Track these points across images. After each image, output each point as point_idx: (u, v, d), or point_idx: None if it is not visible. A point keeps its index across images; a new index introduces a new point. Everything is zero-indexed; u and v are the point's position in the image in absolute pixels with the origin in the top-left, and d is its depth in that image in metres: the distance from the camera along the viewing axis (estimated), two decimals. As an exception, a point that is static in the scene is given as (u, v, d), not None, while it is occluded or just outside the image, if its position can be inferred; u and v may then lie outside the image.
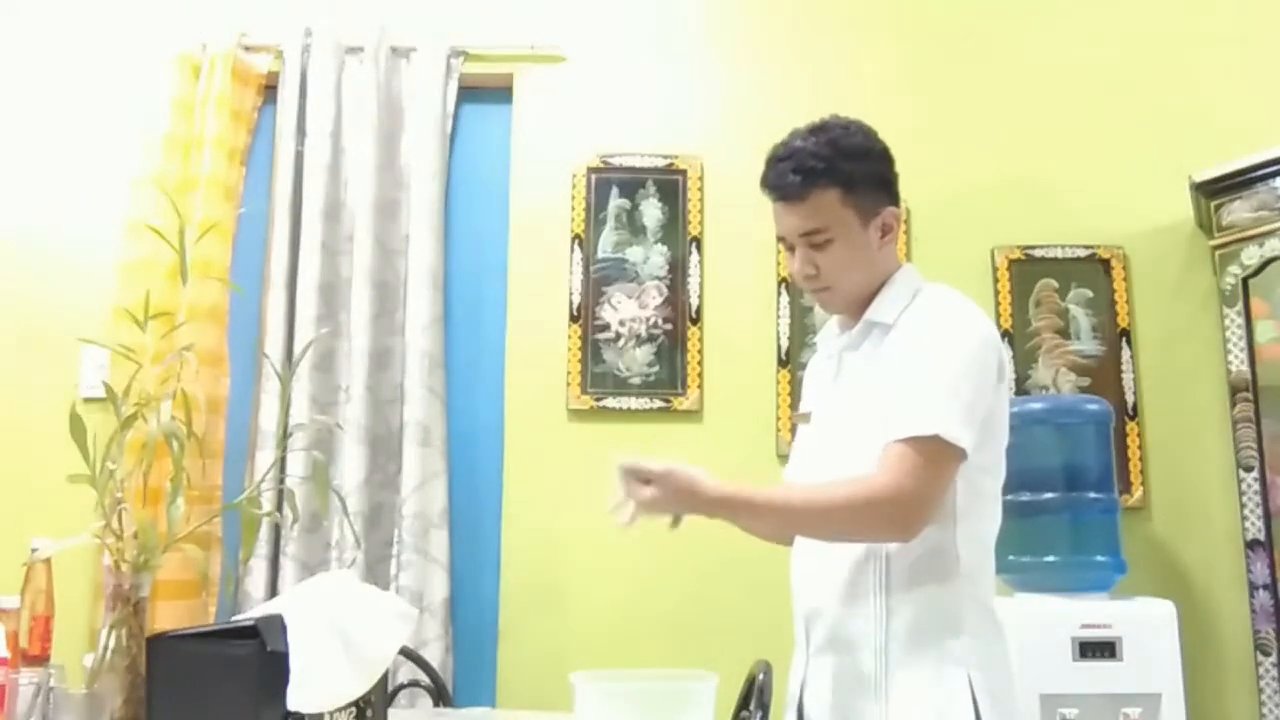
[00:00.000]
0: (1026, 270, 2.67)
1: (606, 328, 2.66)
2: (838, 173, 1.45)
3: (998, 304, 2.65)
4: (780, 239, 1.55)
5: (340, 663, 1.26)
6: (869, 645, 1.42)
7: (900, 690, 1.40)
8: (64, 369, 2.52)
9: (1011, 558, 2.34)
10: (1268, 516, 2.29)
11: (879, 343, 1.49)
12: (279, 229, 2.64)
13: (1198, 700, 2.30)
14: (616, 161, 2.73)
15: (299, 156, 2.67)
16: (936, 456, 1.35)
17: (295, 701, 1.18)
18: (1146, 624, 2.19)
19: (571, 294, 2.67)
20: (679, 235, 2.69)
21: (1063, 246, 2.68)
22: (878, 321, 1.50)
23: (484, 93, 2.80)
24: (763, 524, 1.58)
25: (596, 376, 2.63)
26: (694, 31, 2.81)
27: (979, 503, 1.44)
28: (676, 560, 2.46)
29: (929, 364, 1.40)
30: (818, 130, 1.49)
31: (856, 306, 1.53)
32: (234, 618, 1.48)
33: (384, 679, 1.38)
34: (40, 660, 1.43)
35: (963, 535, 1.41)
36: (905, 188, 2.59)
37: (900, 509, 1.34)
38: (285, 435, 2.18)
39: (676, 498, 1.40)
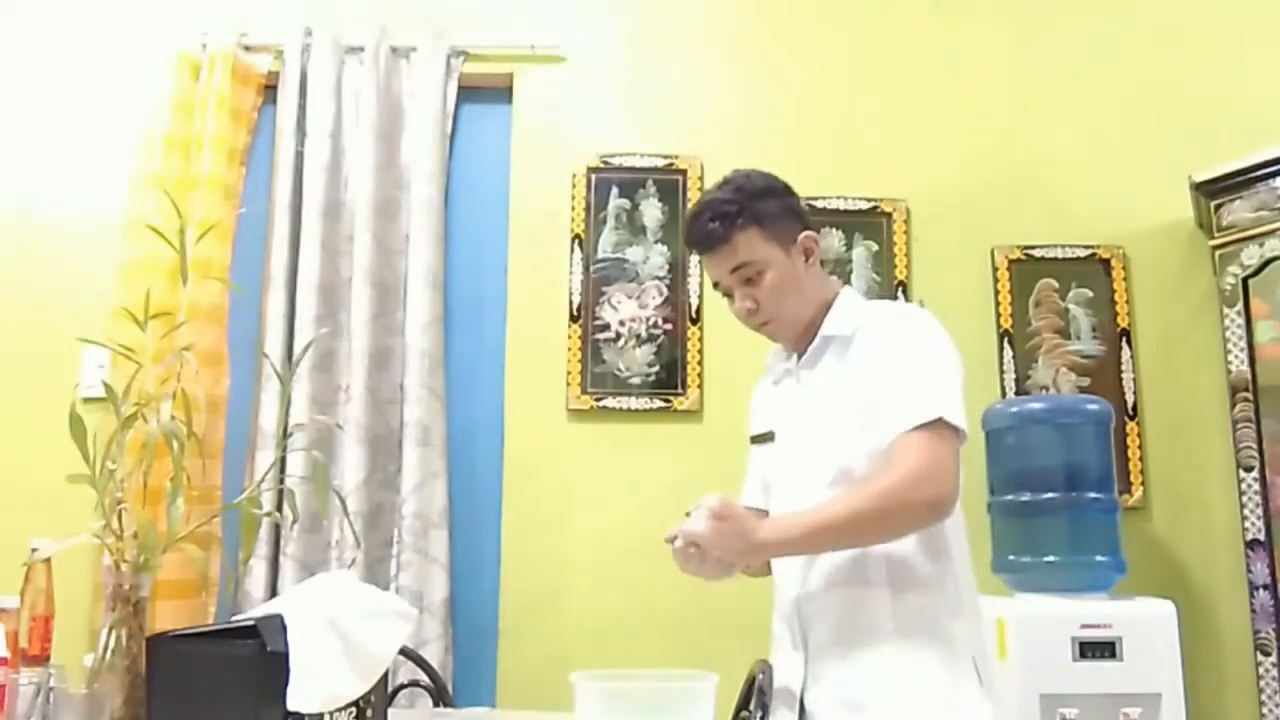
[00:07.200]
0: (1026, 270, 2.67)
1: (606, 328, 2.66)
2: (750, 211, 1.58)
3: (998, 304, 2.65)
4: (716, 286, 1.64)
5: (340, 663, 1.26)
6: (876, 637, 1.46)
7: (908, 678, 1.44)
8: (64, 369, 2.51)
9: (1011, 558, 2.34)
10: (1268, 516, 2.29)
11: (840, 355, 1.56)
12: (279, 229, 2.64)
13: (1198, 700, 2.29)
14: (616, 161, 2.73)
15: (299, 156, 2.67)
16: (943, 439, 1.42)
17: (295, 701, 1.18)
18: (1146, 624, 2.19)
19: (571, 294, 2.67)
20: (679, 235, 2.69)
21: (1063, 246, 2.68)
22: (835, 335, 1.58)
23: (484, 93, 2.80)
24: (808, 552, 1.55)
25: (596, 376, 2.63)
26: (694, 31, 2.81)
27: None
28: (676, 560, 2.45)
29: (913, 360, 1.48)
30: (723, 184, 1.63)
31: (802, 332, 1.62)
32: (234, 618, 1.47)
33: (384, 679, 1.38)
34: (40, 660, 1.43)
35: (950, 521, 1.47)
36: (905, 188, 2.68)
37: (935, 488, 1.40)
38: (285, 435, 2.18)
39: (738, 547, 1.43)
